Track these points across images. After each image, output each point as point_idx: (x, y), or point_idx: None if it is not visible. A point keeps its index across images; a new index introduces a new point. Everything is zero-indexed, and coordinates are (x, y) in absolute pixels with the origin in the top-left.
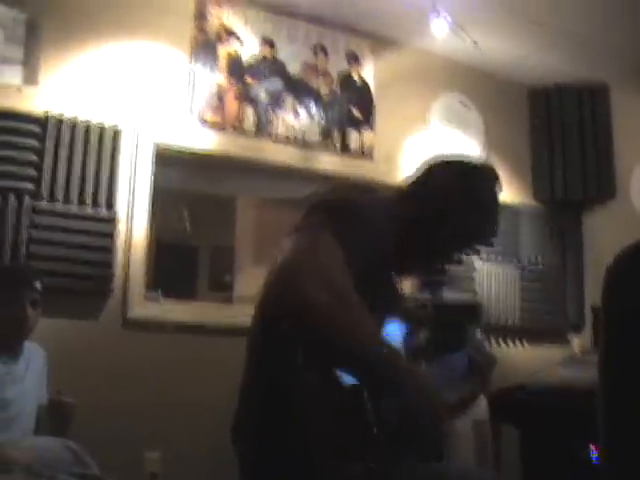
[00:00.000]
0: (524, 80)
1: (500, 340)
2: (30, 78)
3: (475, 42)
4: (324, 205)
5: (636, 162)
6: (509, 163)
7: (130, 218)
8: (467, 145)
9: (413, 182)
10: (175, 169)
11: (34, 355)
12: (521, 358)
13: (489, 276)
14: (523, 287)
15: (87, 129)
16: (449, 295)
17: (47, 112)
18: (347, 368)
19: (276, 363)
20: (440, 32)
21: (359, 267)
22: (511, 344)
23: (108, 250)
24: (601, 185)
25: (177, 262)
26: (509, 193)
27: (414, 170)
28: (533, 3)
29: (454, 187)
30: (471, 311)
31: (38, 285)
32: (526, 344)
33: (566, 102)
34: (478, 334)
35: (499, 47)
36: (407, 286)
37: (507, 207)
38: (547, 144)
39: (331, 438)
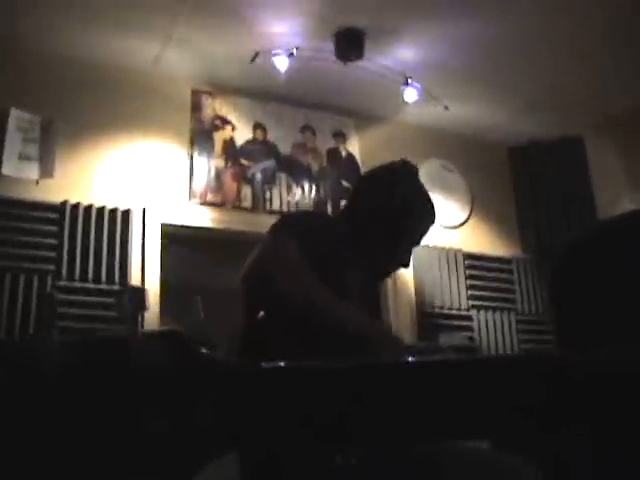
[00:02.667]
0: (503, 140)
1: None
2: (46, 171)
3: (446, 107)
4: (283, 219)
5: (615, 206)
6: (495, 219)
7: None
8: (453, 206)
9: (347, 203)
10: (182, 247)
11: None
12: None
13: (486, 324)
14: (519, 333)
15: (100, 213)
16: (445, 339)
17: (64, 201)
18: (323, 332)
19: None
20: (411, 99)
21: (319, 263)
22: None
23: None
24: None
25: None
26: (499, 247)
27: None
28: (504, 70)
29: (380, 195)
30: (468, 353)
31: None
32: None
33: (544, 157)
34: None
35: (476, 113)
36: (406, 335)
37: (499, 260)
38: (530, 198)
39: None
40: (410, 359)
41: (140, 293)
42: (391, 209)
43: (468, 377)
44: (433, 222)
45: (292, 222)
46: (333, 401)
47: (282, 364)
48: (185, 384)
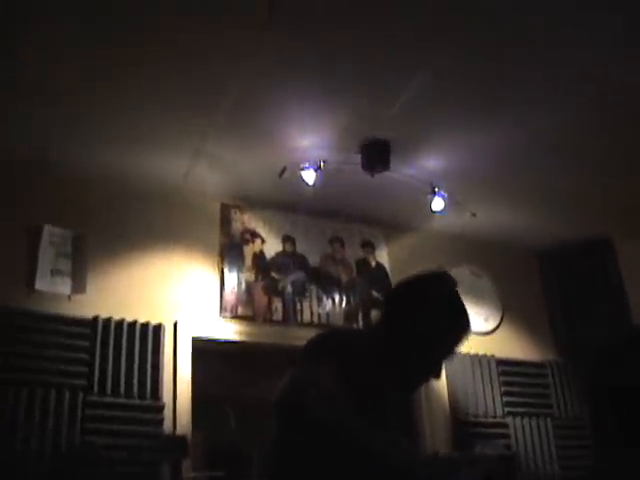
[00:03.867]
0: (531, 244)
1: None
2: (78, 287)
3: (474, 214)
4: (314, 342)
5: None
6: (527, 323)
7: (174, 409)
8: (484, 313)
9: (380, 314)
10: (213, 360)
11: None
12: None
13: (523, 430)
14: (557, 438)
15: (131, 328)
16: (482, 448)
17: (96, 316)
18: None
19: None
20: (438, 207)
21: (354, 388)
22: None
23: (156, 437)
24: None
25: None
26: (532, 351)
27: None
28: (529, 174)
29: (415, 304)
30: (508, 462)
31: None
32: None
33: (573, 259)
34: None
35: (503, 218)
36: (441, 445)
37: (533, 364)
38: (561, 300)
39: None
40: None
41: (182, 443)
42: (426, 317)
43: None
44: (468, 331)
45: (323, 346)
46: None
47: None
48: None
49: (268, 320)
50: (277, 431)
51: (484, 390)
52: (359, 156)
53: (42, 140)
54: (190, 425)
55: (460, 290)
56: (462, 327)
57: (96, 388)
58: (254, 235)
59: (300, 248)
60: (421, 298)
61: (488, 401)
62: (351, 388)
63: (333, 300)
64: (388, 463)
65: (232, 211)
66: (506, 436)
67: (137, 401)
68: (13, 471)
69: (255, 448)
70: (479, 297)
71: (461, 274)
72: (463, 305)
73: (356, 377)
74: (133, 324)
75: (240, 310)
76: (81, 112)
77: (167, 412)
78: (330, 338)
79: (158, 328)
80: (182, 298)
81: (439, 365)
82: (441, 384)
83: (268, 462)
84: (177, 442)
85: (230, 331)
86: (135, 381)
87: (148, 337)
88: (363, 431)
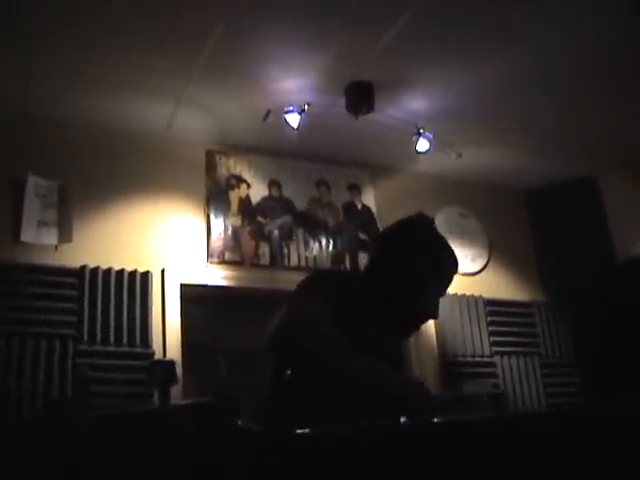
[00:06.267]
0: (518, 184)
1: None
2: (64, 237)
3: (459, 155)
4: (310, 276)
5: (634, 247)
6: (515, 264)
7: (164, 356)
8: (471, 253)
9: (368, 262)
10: (201, 306)
11: None
12: None
13: (510, 370)
14: (544, 377)
15: (119, 276)
16: (470, 388)
17: (83, 265)
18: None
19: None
20: (423, 148)
21: (349, 321)
22: None
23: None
24: (605, 271)
25: None
26: (520, 291)
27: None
28: (516, 113)
29: (400, 250)
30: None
31: None
32: None
33: (561, 199)
34: None
35: (490, 158)
36: (430, 385)
37: (520, 304)
38: (548, 240)
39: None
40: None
41: (170, 367)
42: (413, 262)
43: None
44: (456, 269)
45: (319, 280)
46: (362, 467)
47: (310, 431)
48: (216, 453)
49: (255, 264)
50: (274, 367)
51: (472, 330)
52: (343, 99)
53: (23, 89)
54: (181, 370)
55: (448, 231)
56: (449, 265)
57: (86, 337)
58: (240, 180)
59: (286, 192)
60: (406, 242)
61: (476, 341)
62: (344, 322)
63: (320, 243)
64: (371, 382)
65: (217, 157)
66: (494, 375)
67: (127, 349)
68: (6, 419)
69: (244, 395)
70: (466, 238)
71: (448, 215)
72: (447, 243)
73: (351, 315)
74: (120, 272)
75: (227, 255)
76: (62, 59)
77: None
78: (326, 275)
79: (146, 276)
80: (169, 245)
81: (435, 305)
82: (429, 325)
83: (266, 401)
84: (165, 366)
85: (218, 276)
86: (124, 329)
87: (136, 285)
88: (355, 357)
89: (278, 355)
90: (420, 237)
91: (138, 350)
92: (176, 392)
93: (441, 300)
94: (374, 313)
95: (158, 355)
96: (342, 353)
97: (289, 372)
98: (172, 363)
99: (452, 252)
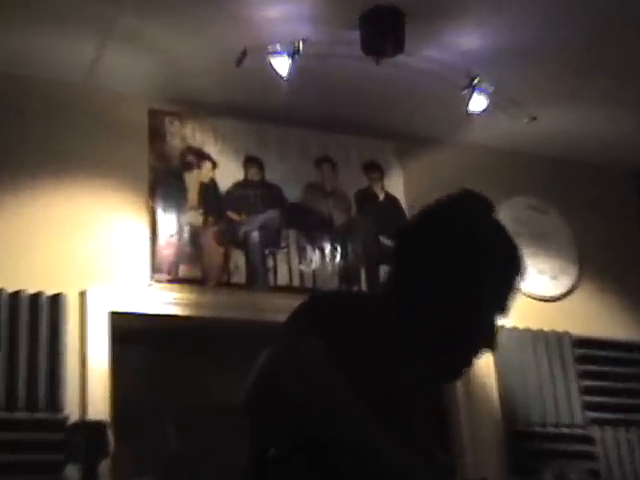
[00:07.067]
0: (623, 164)
1: None
2: None
3: (533, 117)
4: (305, 305)
5: None
6: (618, 284)
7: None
8: (551, 267)
9: (389, 270)
10: (141, 345)
11: None
12: None
13: (617, 448)
14: None
15: (13, 301)
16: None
17: None
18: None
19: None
20: (478, 108)
21: (366, 370)
22: None
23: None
24: None
25: None
26: (628, 327)
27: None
28: (621, 57)
29: (438, 244)
30: None
31: None
32: None
33: None
34: None
35: (579, 125)
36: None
37: (627, 346)
38: None
39: None
40: None
41: (99, 431)
42: (457, 260)
43: None
44: (523, 274)
45: (319, 309)
46: None
47: None
48: None
49: (224, 284)
50: (251, 441)
51: (554, 385)
52: (358, 33)
53: None
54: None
55: (514, 232)
56: (515, 267)
57: None
58: (201, 156)
59: (271, 175)
60: (450, 233)
61: (560, 402)
62: (356, 372)
63: (322, 252)
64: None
65: (166, 120)
66: (590, 456)
67: (24, 414)
68: None
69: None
70: (543, 244)
71: (515, 209)
72: (510, 235)
73: (367, 360)
74: (15, 295)
75: (182, 270)
76: None
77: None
78: (330, 300)
79: (56, 300)
80: (93, 255)
81: (491, 330)
82: (488, 375)
83: None
84: (90, 433)
85: (167, 301)
86: (20, 385)
87: (40, 314)
88: (384, 440)
89: (256, 421)
90: (470, 227)
91: (42, 416)
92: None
93: (506, 337)
94: (402, 355)
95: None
96: (366, 426)
97: (273, 451)
98: (102, 425)
99: (517, 245)
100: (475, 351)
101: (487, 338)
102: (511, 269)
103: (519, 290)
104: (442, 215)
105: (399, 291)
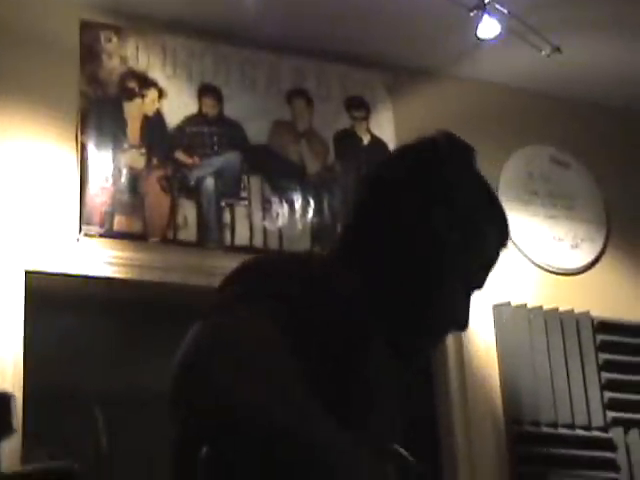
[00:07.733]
0: None
1: None
2: None
3: (557, 48)
4: (250, 264)
5: None
6: None
7: None
8: (572, 233)
9: (346, 224)
10: (64, 314)
11: None
12: None
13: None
14: None
15: None
16: None
17: None
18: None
19: None
20: (489, 34)
21: (314, 350)
22: None
23: None
24: None
25: None
26: None
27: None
28: None
29: (407, 196)
30: None
31: None
32: None
33: None
34: None
35: (611, 59)
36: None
37: None
38: None
39: None
40: None
41: (3, 404)
42: (429, 223)
43: None
44: (506, 237)
45: (259, 275)
46: None
47: None
48: None
49: (170, 240)
50: (178, 434)
51: (568, 377)
52: None
53: None
54: (21, 427)
55: (530, 190)
56: (493, 226)
57: None
58: (145, 82)
59: (231, 109)
60: (424, 182)
61: (576, 398)
62: (308, 358)
63: (291, 206)
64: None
65: (102, 36)
66: (611, 464)
67: None
68: None
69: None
70: (564, 203)
71: (533, 161)
72: (490, 188)
73: (318, 337)
74: None
75: (118, 222)
76: None
77: None
78: (270, 267)
79: None
80: (6, 201)
81: (464, 304)
82: (488, 363)
83: None
84: None
85: (99, 260)
86: None
87: None
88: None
89: (187, 414)
90: (444, 175)
91: None
92: (10, 452)
93: (510, 317)
94: (363, 329)
95: None
96: (312, 415)
97: (205, 446)
98: (6, 398)
99: (497, 201)
100: (442, 330)
101: (458, 314)
102: (491, 233)
103: (497, 259)
104: (409, 165)
105: (352, 257)
